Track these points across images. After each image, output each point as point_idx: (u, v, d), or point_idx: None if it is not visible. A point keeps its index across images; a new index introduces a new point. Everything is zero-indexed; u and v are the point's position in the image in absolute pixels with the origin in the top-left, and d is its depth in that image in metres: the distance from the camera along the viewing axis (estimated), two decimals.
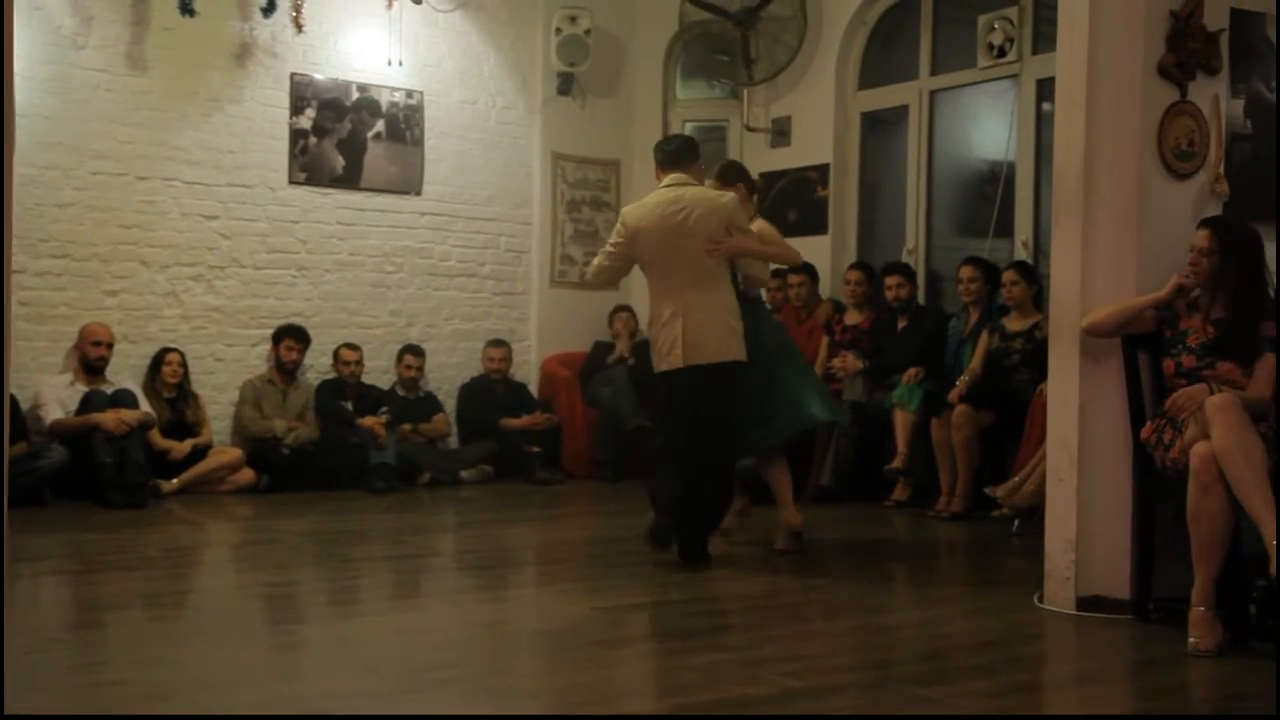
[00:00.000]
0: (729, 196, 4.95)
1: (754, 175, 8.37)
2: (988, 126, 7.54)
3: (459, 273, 8.21)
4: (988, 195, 7.33)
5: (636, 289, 8.76)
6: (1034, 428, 5.69)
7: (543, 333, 8.45)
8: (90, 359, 6.67)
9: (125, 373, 6.91)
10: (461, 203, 8.18)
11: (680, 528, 4.90)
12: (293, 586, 4.64)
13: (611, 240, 5.03)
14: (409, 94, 7.92)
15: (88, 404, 6.45)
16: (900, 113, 7.78)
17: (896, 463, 6.46)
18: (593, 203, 8.72)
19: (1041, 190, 6.91)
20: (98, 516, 5.96)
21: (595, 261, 5.12)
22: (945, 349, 6.74)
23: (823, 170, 8.04)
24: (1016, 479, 5.67)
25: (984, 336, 6.42)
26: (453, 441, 7.96)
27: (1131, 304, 4.00)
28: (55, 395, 6.54)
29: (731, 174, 5.33)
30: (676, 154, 5.02)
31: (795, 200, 8.20)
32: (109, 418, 6.36)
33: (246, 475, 6.94)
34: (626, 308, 8.36)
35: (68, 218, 6.85)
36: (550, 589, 4.78)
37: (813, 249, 7.88)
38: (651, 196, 5.00)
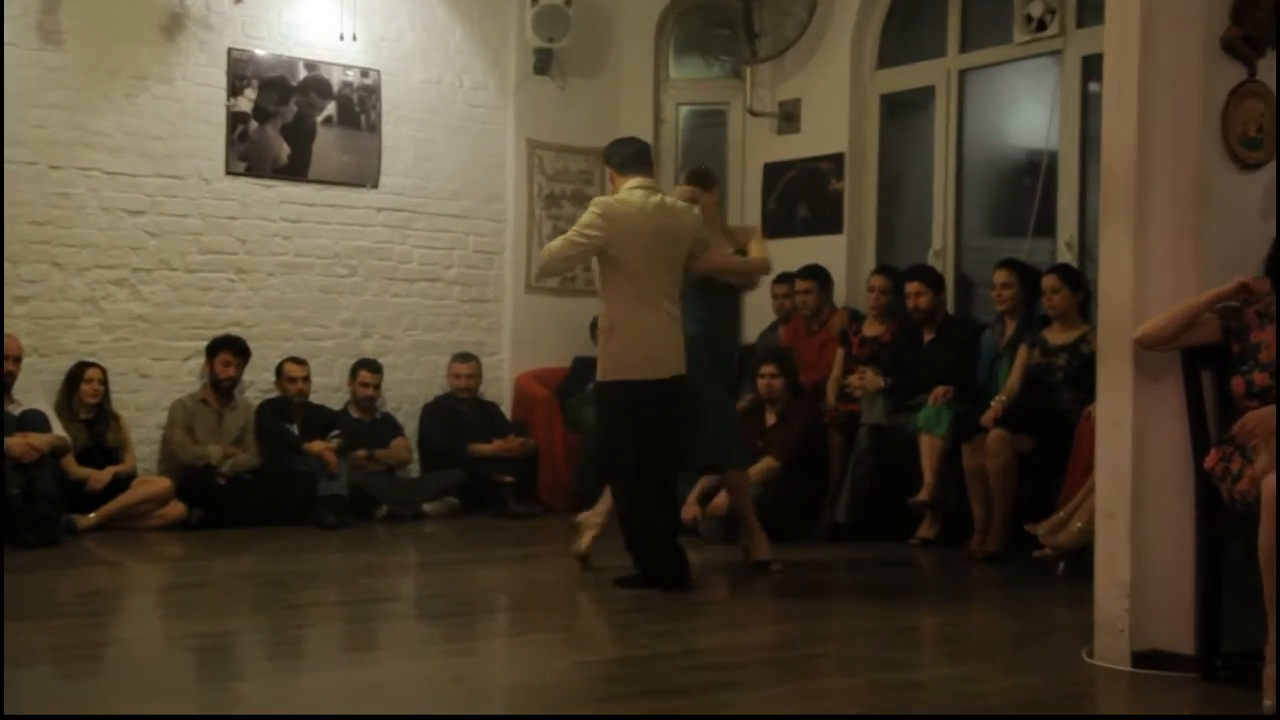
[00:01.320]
0: (695, 210, 5.46)
1: (759, 165, 8.54)
2: (1026, 110, 7.55)
3: (421, 277, 8.18)
4: (1026, 189, 7.34)
5: None
6: (1081, 455, 5.67)
7: (517, 345, 8.44)
8: None
9: (35, 390, 6.86)
10: (424, 197, 8.17)
11: (649, 554, 5.29)
12: (229, 638, 4.61)
13: (585, 229, 5.26)
14: (364, 73, 7.91)
15: None
16: (925, 95, 7.79)
17: (922, 495, 6.45)
18: (574, 197, 8.70)
19: (1088, 183, 6.92)
20: (4, 556, 5.90)
21: (556, 246, 5.34)
22: (978, 365, 6.73)
23: (837, 161, 8.04)
24: (1061, 514, 5.65)
25: (1022, 351, 6.42)
26: (414, 470, 7.93)
27: (1189, 305, 3.96)
28: None
29: (709, 178, 5.82)
30: (641, 157, 5.46)
31: (806, 195, 8.20)
32: (16, 443, 6.31)
33: (176, 509, 6.90)
34: None
35: None
36: (525, 639, 4.76)
37: (826, 251, 7.89)
38: (628, 195, 5.33)
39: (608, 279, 5.31)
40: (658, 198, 5.36)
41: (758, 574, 5.70)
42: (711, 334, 5.72)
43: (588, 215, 5.30)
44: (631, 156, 5.45)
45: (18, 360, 6.68)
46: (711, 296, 5.77)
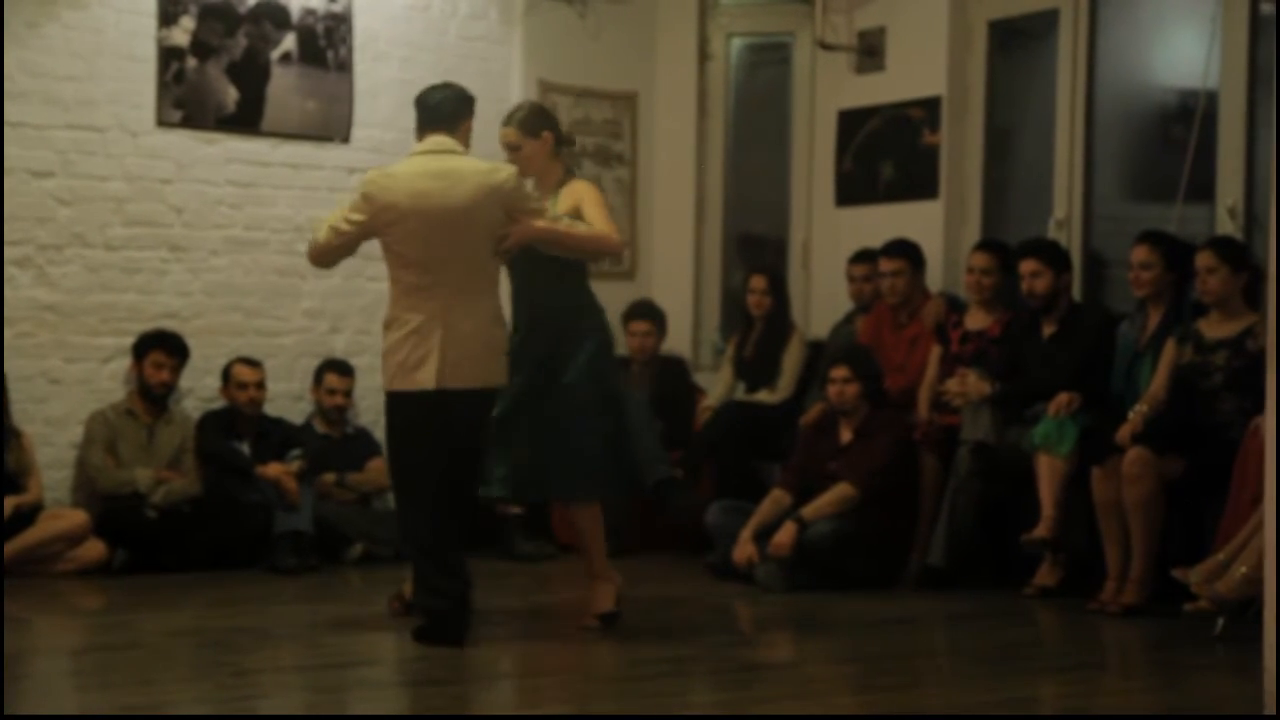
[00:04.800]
0: (507, 171, 5.48)
1: (832, 113, 8.47)
2: (1176, 40, 7.50)
3: None
4: (1175, 141, 7.30)
5: (660, 278, 8.79)
6: (1245, 481, 5.64)
7: None
8: None
9: None
10: (407, 154, 8.17)
11: (416, 591, 5.56)
12: (160, 710, 4.61)
13: (348, 213, 5.51)
14: None
15: None
16: (1046, 22, 7.76)
17: (1040, 531, 6.42)
18: (598, 154, 8.72)
19: (1257, 133, 6.88)
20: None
21: (319, 236, 5.60)
22: (1112, 366, 6.69)
23: (932, 106, 8.02)
24: (1220, 557, 5.61)
25: (1169, 347, 6.38)
26: (394, 499, 7.94)
27: None
28: None
29: (536, 122, 5.81)
30: (439, 110, 5.52)
31: (892, 150, 8.18)
32: None
33: (95, 549, 6.93)
34: (649, 306, 8.34)
35: None
36: (535, 710, 4.76)
37: (917, 222, 7.87)
38: (405, 165, 5.53)
39: (389, 267, 5.53)
40: (441, 163, 5.41)
41: (595, 629, 5.73)
42: (534, 325, 5.76)
43: (353, 197, 5.55)
44: (429, 110, 5.53)
45: None
46: (530, 276, 5.77)
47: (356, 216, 5.46)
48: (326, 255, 5.66)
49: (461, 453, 5.48)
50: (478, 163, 5.51)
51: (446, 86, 5.66)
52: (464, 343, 5.37)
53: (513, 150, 5.76)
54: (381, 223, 5.42)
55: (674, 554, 7.63)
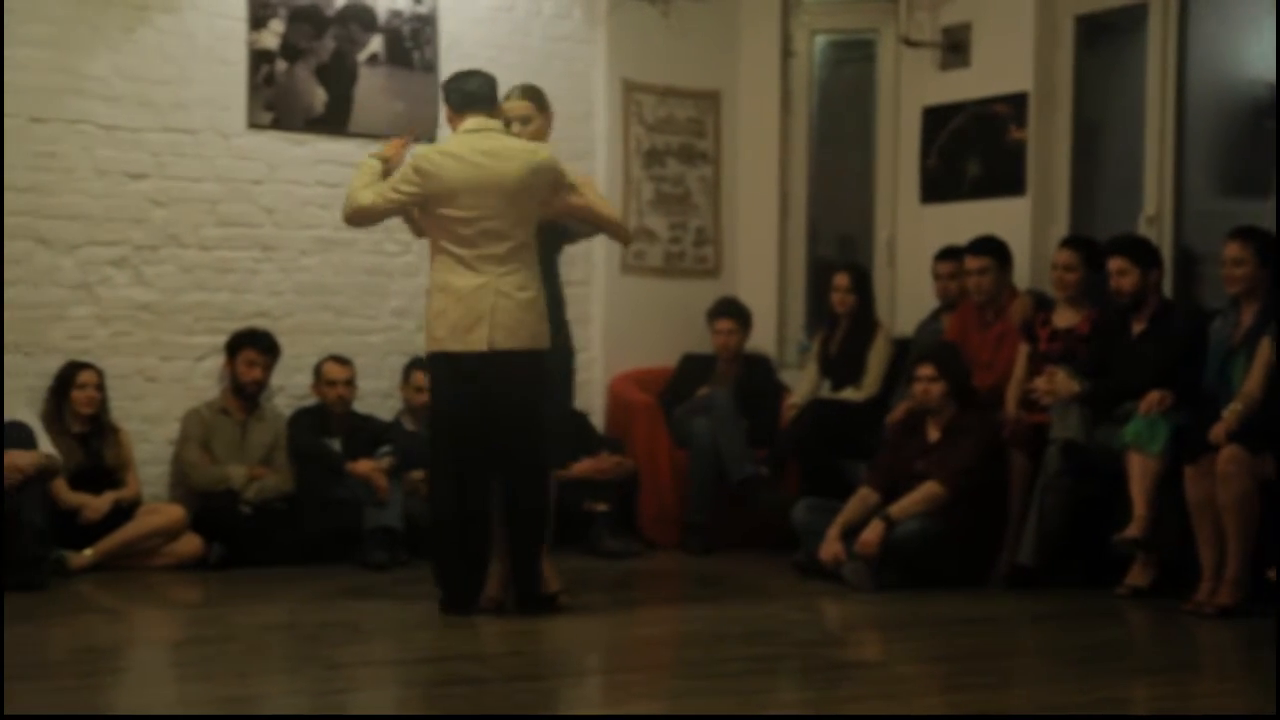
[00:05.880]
0: (547, 150, 5.85)
1: (916, 109, 8.47)
2: (1268, 32, 7.39)
3: None
4: (1268, 134, 7.22)
5: (745, 276, 8.77)
6: None
7: (611, 340, 8.50)
8: None
9: (17, 398, 7.01)
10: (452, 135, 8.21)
11: (434, 561, 5.90)
12: (256, 704, 4.64)
13: (399, 184, 5.80)
14: None
15: None
16: (1135, 15, 7.71)
17: (1132, 531, 6.37)
18: (681, 153, 8.73)
19: None
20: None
21: (364, 195, 5.84)
22: (1205, 364, 6.62)
23: (1018, 102, 7.98)
24: None
25: (1264, 345, 6.31)
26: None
27: None
28: None
29: (543, 97, 6.10)
30: (480, 94, 5.86)
31: (978, 147, 8.15)
32: None
33: (190, 544, 7.01)
34: (734, 304, 8.33)
35: None
36: (624, 708, 4.75)
37: (1004, 218, 7.83)
38: (455, 143, 5.83)
39: (435, 238, 5.85)
40: (493, 142, 5.76)
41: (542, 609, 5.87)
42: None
43: (403, 169, 5.84)
44: (469, 95, 5.84)
45: None
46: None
47: (408, 188, 5.77)
48: (369, 217, 5.97)
49: (516, 417, 5.77)
50: (521, 141, 5.84)
51: (477, 73, 5.98)
52: (514, 310, 5.70)
53: (523, 123, 5.99)
54: (433, 196, 5.73)
55: (760, 552, 7.62)
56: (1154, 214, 7.55)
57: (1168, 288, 7.23)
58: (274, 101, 7.69)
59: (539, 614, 5.83)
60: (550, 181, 5.81)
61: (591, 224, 6.06)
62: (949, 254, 7.82)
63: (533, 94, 6.10)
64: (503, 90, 6.01)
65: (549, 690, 4.96)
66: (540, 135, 6.03)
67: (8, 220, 7.11)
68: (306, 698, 4.75)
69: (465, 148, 5.77)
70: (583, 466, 7.82)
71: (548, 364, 5.88)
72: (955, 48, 8.28)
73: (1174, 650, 5.71)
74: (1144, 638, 6.01)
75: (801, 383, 8.18)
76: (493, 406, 5.77)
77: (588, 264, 8.46)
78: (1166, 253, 7.35)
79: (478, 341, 5.71)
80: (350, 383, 7.61)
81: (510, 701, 4.81)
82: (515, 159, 5.74)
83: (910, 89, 8.50)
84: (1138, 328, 6.86)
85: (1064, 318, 7.18)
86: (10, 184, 7.12)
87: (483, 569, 5.88)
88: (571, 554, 7.54)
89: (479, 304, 5.70)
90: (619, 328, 8.48)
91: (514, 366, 5.75)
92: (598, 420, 8.34)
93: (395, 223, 7.81)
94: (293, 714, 4.54)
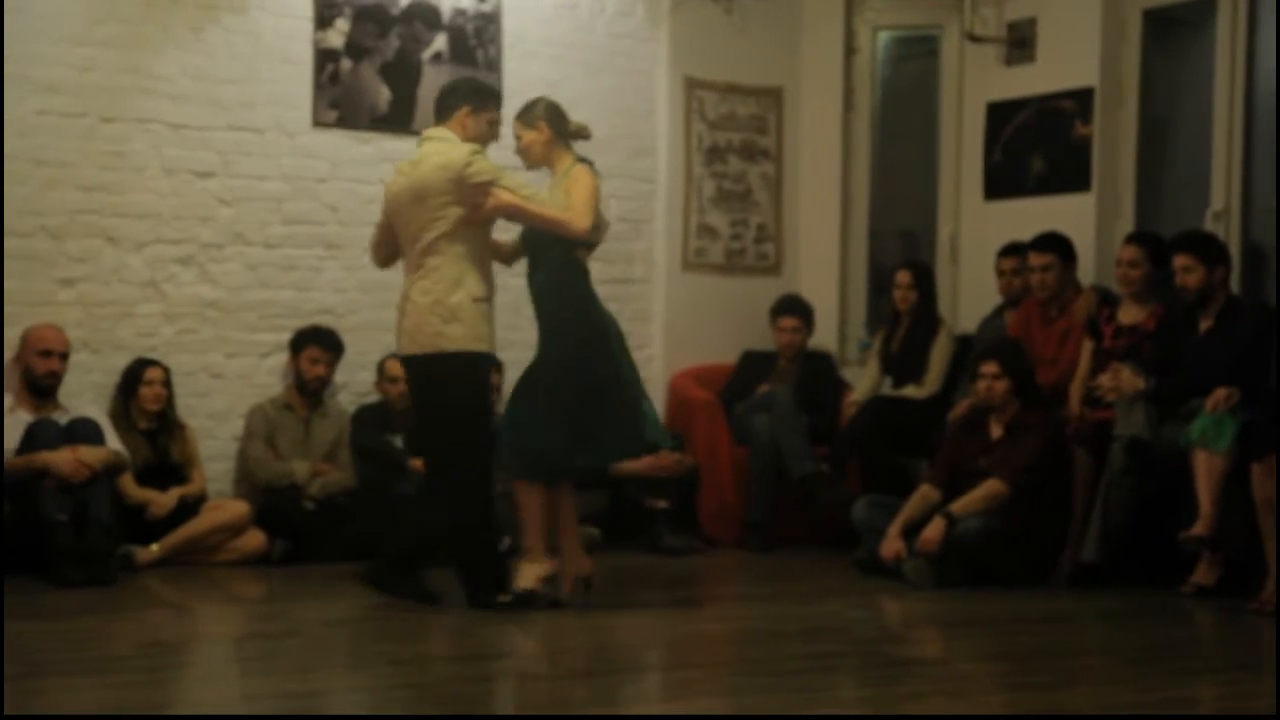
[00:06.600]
0: (464, 150, 5.78)
1: (981, 105, 8.37)
2: None
3: None
4: None
5: (807, 274, 8.74)
6: None
7: (671, 337, 8.49)
8: (36, 375, 6.85)
9: (86, 394, 7.09)
10: None
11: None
12: (319, 699, 4.67)
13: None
14: None
15: (33, 439, 6.61)
16: (1202, 10, 7.66)
17: (1198, 529, 6.29)
18: (743, 150, 8.71)
19: None
20: (46, 598, 6.10)
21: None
22: (1273, 361, 6.52)
23: (1084, 98, 7.93)
24: None
25: None
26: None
27: None
28: None
29: (533, 115, 6.04)
30: (437, 105, 6.04)
31: (1042, 143, 8.11)
32: (63, 459, 6.50)
33: (254, 539, 7.06)
34: (796, 301, 8.30)
35: (4, 176, 7.04)
36: (683, 705, 4.74)
37: (1069, 214, 7.78)
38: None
39: None
40: (422, 149, 5.90)
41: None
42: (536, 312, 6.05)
43: None
44: (435, 104, 6.07)
45: (64, 358, 6.89)
46: (533, 264, 6.04)
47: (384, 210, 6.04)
48: (373, 251, 6.23)
49: (426, 422, 6.04)
50: (444, 145, 5.85)
51: (451, 81, 6.28)
52: (413, 314, 5.83)
53: (517, 140, 6.04)
54: (387, 212, 5.99)
55: (820, 549, 7.61)
56: (1221, 210, 7.49)
57: (1235, 284, 7.15)
58: (339, 100, 7.72)
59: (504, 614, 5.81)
60: (453, 179, 5.73)
61: (528, 225, 5.97)
62: (1012, 250, 7.77)
63: (522, 113, 6.06)
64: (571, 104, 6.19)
65: (608, 685, 4.94)
66: (529, 152, 6.02)
67: (78, 220, 7.18)
68: (367, 694, 4.76)
69: (405, 160, 5.98)
70: (643, 463, 7.80)
71: (483, 365, 5.92)
72: (1020, 43, 8.25)
73: (1238, 650, 5.64)
74: (1208, 637, 5.95)
75: (862, 380, 8.14)
76: (417, 411, 6.14)
77: (649, 262, 8.46)
78: (1234, 249, 7.28)
79: (404, 346, 5.94)
80: None
81: (569, 698, 4.81)
82: (427, 162, 5.81)
83: (974, 85, 8.45)
84: (1205, 324, 6.79)
85: (1129, 314, 7.12)
86: (79, 182, 7.19)
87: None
88: (632, 551, 7.57)
89: (407, 311, 5.87)
90: (680, 325, 8.48)
91: (416, 371, 5.92)
92: (658, 417, 8.33)
93: None
94: (353, 713, 4.56)
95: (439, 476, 5.99)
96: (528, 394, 5.95)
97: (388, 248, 6.10)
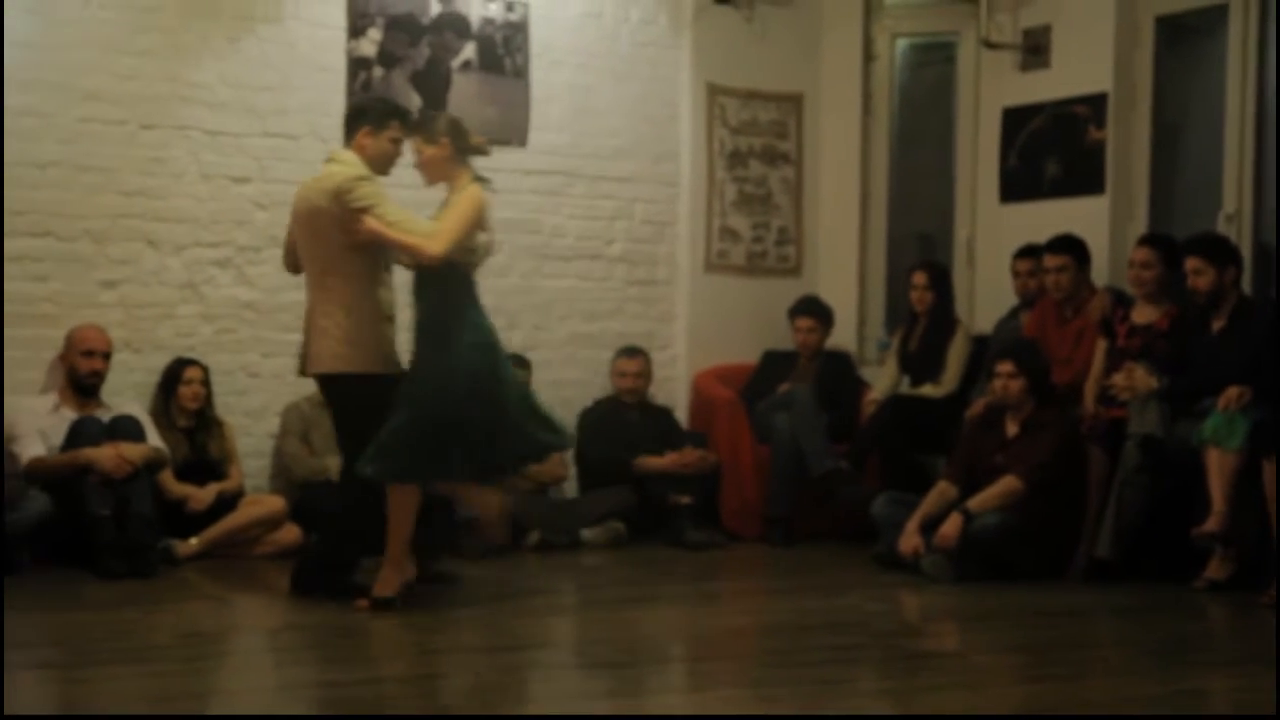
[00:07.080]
0: (342, 175, 5.75)
1: (996, 110, 8.31)
2: None
3: (578, 254, 8.31)
4: None
5: (826, 275, 8.79)
6: None
7: (694, 337, 8.53)
8: (80, 374, 6.92)
9: (127, 393, 7.17)
10: (581, 157, 8.28)
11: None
12: (355, 689, 4.71)
13: None
14: (509, 6, 8.06)
15: (77, 436, 6.68)
16: (1214, 16, 7.65)
17: (1210, 525, 6.31)
18: (764, 154, 8.74)
19: None
20: (89, 589, 6.18)
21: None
22: None
23: (1098, 103, 7.93)
24: None
25: None
26: (570, 488, 8.05)
27: None
28: (33, 424, 6.78)
29: (433, 130, 5.91)
30: (344, 126, 6.03)
31: (1057, 147, 8.10)
32: (105, 455, 6.56)
33: (290, 533, 7.11)
34: (815, 302, 8.34)
35: (49, 182, 7.13)
36: (707, 696, 4.78)
37: (1083, 217, 7.79)
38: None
39: None
40: (322, 170, 5.89)
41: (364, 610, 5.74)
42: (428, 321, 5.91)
43: None
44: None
45: (107, 357, 6.97)
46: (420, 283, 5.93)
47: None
48: (284, 258, 6.21)
49: (344, 434, 6.01)
50: (341, 169, 5.81)
51: (358, 99, 6.33)
52: (314, 337, 5.88)
53: (417, 155, 5.92)
54: (291, 226, 6.04)
55: (840, 544, 7.63)
56: (1233, 212, 7.48)
57: (1247, 285, 7.17)
58: None
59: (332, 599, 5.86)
60: (337, 202, 5.71)
61: (394, 247, 5.84)
62: (1028, 252, 7.79)
63: (423, 127, 5.95)
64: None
65: (633, 676, 4.99)
66: (427, 168, 5.89)
67: (119, 224, 7.25)
68: (399, 684, 4.82)
69: (310, 177, 6.01)
70: (667, 460, 7.87)
71: (383, 386, 5.79)
72: (1035, 49, 8.24)
73: (1251, 644, 5.61)
74: (1222, 631, 5.95)
75: (881, 379, 8.17)
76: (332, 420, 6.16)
77: (672, 263, 8.51)
78: (1245, 250, 7.27)
79: (306, 365, 6.00)
80: None
81: (592, 686, 4.86)
82: (319, 184, 5.83)
83: (990, 90, 8.46)
84: (1217, 325, 6.80)
85: (1143, 314, 7.13)
86: (121, 188, 7.25)
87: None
88: (655, 545, 7.61)
89: (305, 329, 5.97)
90: (702, 325, 8.51)
91: (322, 388, 6.09)
92: (681, 415, 8.38)
93: None
94: (389, 703, 4.62)
95: (350, 479, 5.91)
96: (408, 403, 5.75)
97: (295, 256, 6.10)
